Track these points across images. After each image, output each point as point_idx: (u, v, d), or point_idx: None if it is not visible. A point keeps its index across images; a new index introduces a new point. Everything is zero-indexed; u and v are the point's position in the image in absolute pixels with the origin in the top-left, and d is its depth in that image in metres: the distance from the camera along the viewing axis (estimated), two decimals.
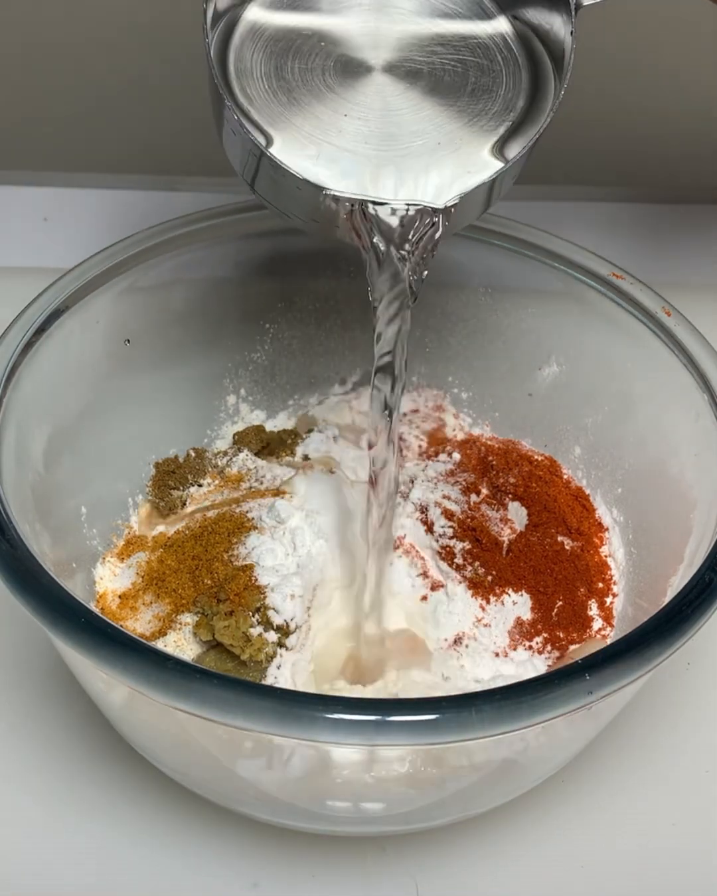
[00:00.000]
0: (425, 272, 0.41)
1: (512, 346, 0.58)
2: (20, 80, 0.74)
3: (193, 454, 0.56)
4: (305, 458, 0.56)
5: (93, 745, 0.49)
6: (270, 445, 0.58)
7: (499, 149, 0.41)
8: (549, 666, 0.49)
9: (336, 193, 0.39)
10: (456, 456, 0.56)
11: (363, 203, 0.39)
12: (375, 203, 0.39)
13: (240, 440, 0.58)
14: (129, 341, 0.53)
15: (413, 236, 0.40)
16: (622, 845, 0.47)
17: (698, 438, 0.47)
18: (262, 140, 0.39)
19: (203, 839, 0.46)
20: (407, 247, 0.40)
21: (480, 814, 0.45)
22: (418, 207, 0.39)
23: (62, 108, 0.76)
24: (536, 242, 0.54)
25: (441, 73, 0.42)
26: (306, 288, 0.59)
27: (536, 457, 0.58)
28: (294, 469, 0.54)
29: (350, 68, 0.41)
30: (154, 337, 0.54)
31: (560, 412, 0.57)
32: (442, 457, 0.57)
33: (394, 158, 0.40)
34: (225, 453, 0.56)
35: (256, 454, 0.57)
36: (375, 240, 0.40)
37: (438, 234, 0.40)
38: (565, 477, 0.57)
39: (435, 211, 0.39)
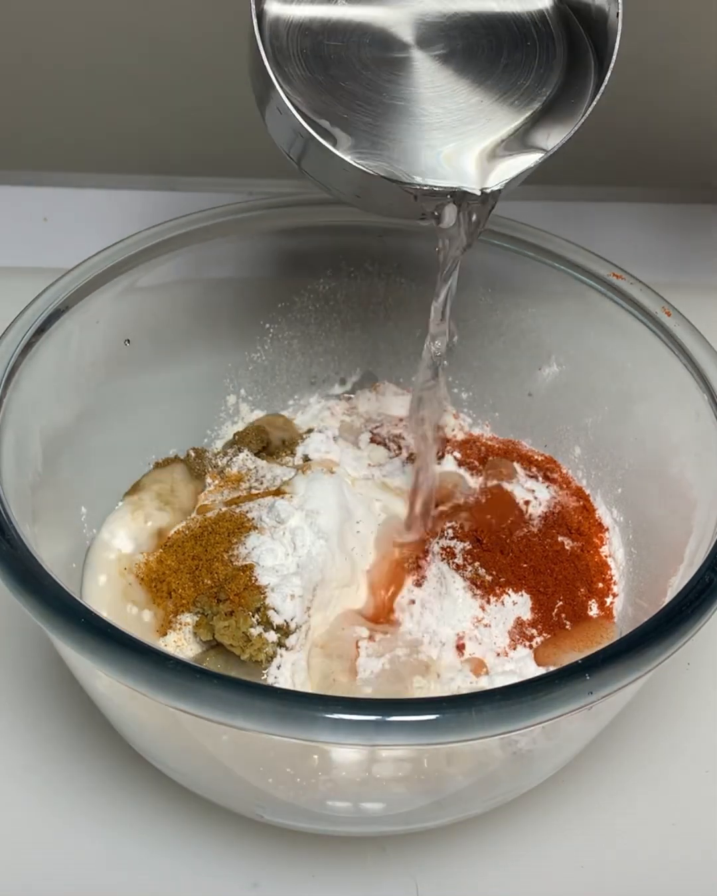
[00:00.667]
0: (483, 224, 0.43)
1: (512, 346, 0.58)
2: (20, 80, 0.74)
3: (193, 454, 0.56)
4: (306, 458, 0.56)
5: (93, 745, 0.49)
6: (270, 446, 0.58)
7: (532, 126, 0.41)
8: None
9: (391, 178, 0.40)
10: (456, 456, 0.56)
11: (412, 185, 0.40)
12: (423, 188, 0.40)
13: (240, 440, 0.58)
14: (129, 341, 0.53)
15: (461, 214, 0.41)
16: (622, 845, 0.47)
17: (698, 438, 0.47)
18: (307, 124, 0.39)
19: (203, 839, 0.46)
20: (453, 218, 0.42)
21: (480, 814, 0.45)
22: (459, 191, 0.40)
23: (62, 108, 0.76)
24: (536, 242, 0.54)
25: (476, 49, 0.42)
26: (306, 288, 0.59)
27: (536, 457, 0.58)
28: (294, 469, 0.54)
29: (386, 46, 0.41)
30: (154, 337, 0.54)
31: (560, 412, 0.57)
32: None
33: (432, 138, 0.41)
34: (225, 453, 0.56)
35: (256, 454, 0.57)
36: (433, 217, 0.42)
37: (479, 212, 0.42)
38: (565, 477, 0.57)
39: (478, 194, 0.40)
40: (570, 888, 0.46)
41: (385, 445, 0.58)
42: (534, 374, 0.58)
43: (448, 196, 0.41)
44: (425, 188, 0.40)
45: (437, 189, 0.40)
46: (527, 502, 0.55)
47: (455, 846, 0.47)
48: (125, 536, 0.51)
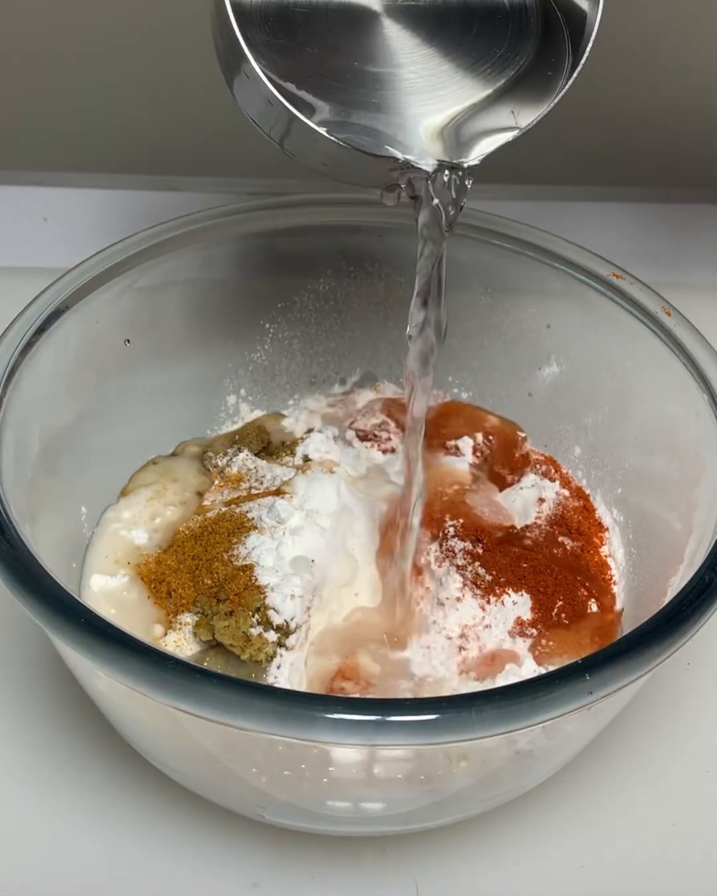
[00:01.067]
0: (459, 202, 0.41)
1: (512, 346, 0.58)
2: (20, 80, 0.74)
3: None
4: (306, 458, 0.56)
5: (93, 745, 0.49)
6: (271, 446, 0.58)
7: (506, 96, 0.40)
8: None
9: (361, 149, 0.39)
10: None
11: (383, 157, 0.39)
12: (395, 159, 0.39)
13: (240, 440, 0.58)
14: (129, 341, 0.53)
15: (435, 186, 0.41)
16: (622, 845, 0.47)
17: (698, 438, 0.47)
18: (275, 89, 0.38)
19: (203, 839, 0.46)
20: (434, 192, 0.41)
21: (480, 814, 0.45)
22: (431, 165, 0.39)
23: (62, 108, 0.76)
24: (536, 242, 0.54)
25: (446, 16, 0.41)
26: (306, 288, 0.59)
27: (536, 457, 0.58)
28: (294, 469, 0.54)
29: (354, 10, 0.40)
30: (154, 337, 0.54)
31: (560, 412, 0.57)
32: None
33: (403, 102, 0.40)
34: (225, 453, 0.56)
35: (256, 454, 0.57)
36: (405, 186, 0.41)
37: (454, 186, 0.41)
38: (564, 477, 0.57)
39: (451, 165, 0.40)
40: (570, 888, 0.46)
41: (371, 439, 0.58)
42: (534, 374, 0.58)
43: (419, 168, 0.40)
44: (399, 160, 0.39)
45: (409, 160, 0.39)
46: (541, 500, 0.55)
47: (455, 846, 0.47)
48: (142, 524, 0.51)
